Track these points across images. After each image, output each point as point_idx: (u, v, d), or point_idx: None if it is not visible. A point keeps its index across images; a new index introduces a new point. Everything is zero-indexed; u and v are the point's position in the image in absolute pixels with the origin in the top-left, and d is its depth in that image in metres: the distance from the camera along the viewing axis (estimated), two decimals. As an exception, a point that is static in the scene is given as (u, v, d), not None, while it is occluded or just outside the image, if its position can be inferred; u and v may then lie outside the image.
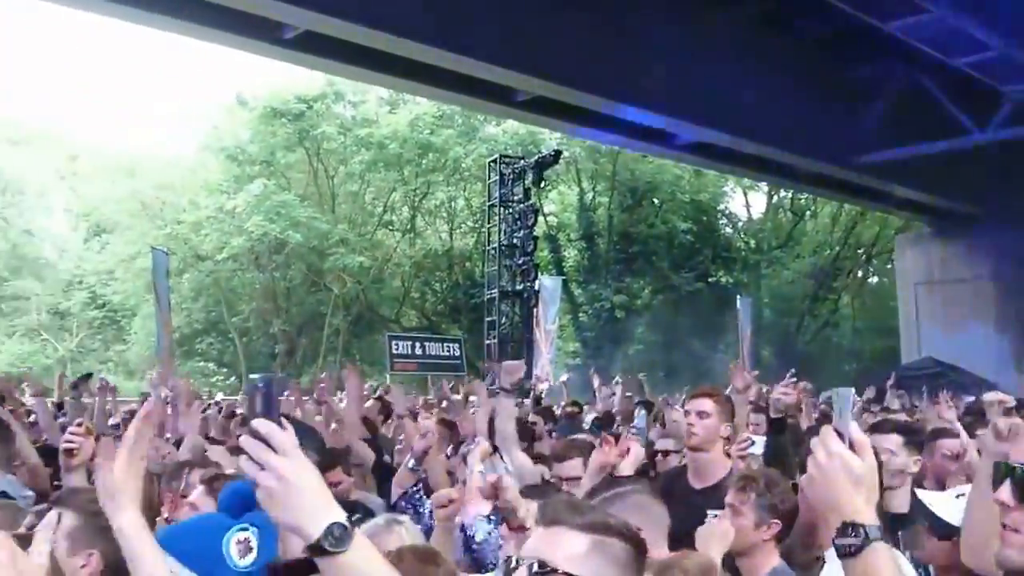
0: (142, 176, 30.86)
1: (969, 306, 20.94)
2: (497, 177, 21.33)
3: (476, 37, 11.65)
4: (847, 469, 1.54)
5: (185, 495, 3.59)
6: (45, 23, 57.75)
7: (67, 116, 61.32)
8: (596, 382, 9.87)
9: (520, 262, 20.73)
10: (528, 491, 2.98)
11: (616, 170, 30.44)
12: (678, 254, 31.42)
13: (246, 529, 2.16)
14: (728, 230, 35.40)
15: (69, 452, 2.88)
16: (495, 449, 4.27)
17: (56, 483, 4.00)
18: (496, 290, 21.13)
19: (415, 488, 4.13)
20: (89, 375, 8.66)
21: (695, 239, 31.49)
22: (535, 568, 1.51)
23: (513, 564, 1.85)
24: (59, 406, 7.45)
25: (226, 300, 29.60)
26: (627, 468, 3.14)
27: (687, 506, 3.38)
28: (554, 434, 7.06)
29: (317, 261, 28.90)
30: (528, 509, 2.70)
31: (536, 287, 20.55)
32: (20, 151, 33.01)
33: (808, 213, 34.67)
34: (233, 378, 28.16)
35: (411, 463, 4.19)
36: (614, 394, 8.98)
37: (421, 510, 3.92)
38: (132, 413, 7.74)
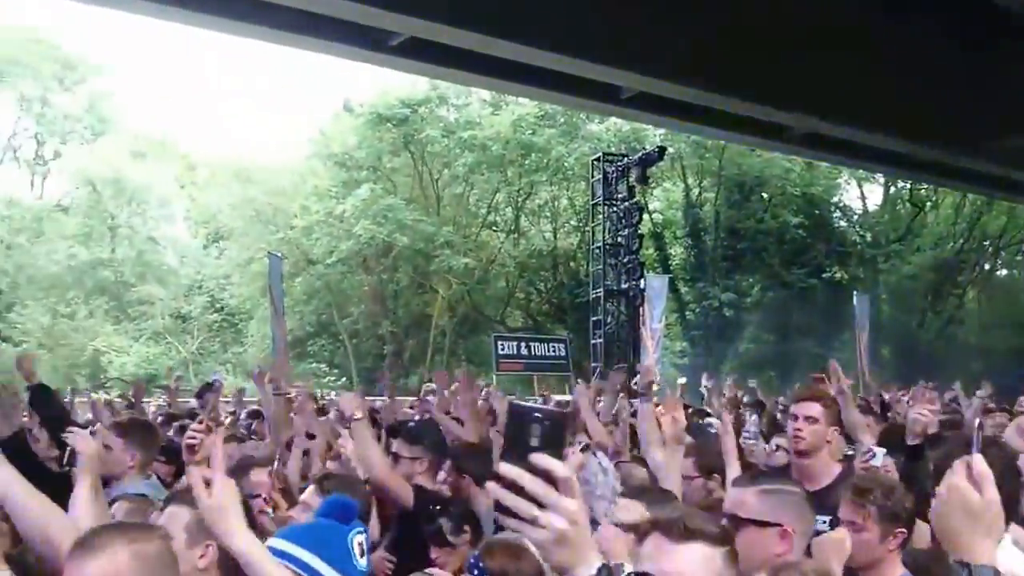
0: (255, 183, 31.99)
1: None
2: (601, 175, 21.24)
3: (579, 35, 11.57)
4: (964, 504, 1.46)
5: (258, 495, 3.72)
6: (161, 38, 60.64)
7: (185, 127, 64.26)
8: (707, 383, 9.66)
9: (625, 260, 20.60)
10: (634, 492, 2.93)
11: (722, 165, 29.88)
12: (789, 250, 30.60)
13: (362, 532, 2.29)
14: (842, 224, 34.24)
15: (191, 448, 3.03)
16: (585, 448, 4.24)
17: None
18: (601, 289, 21.04)
19: None
20: (211, 384, 9.07)
21: (807, 234, 30.61)
22: None
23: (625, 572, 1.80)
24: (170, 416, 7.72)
25: (336, 303, 30.42)
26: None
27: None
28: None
29: (423, 263, 29.38)
30: (632, 509, 2.66)
31: (642, 285, 20.35)
32: (143, 162, 34.67)
33: (928, 204, 33.14)
34: (344, 379, 28.85)
35: None
36: (724, 395, 8.77)
37: None
38: (253, 414, 8.06)
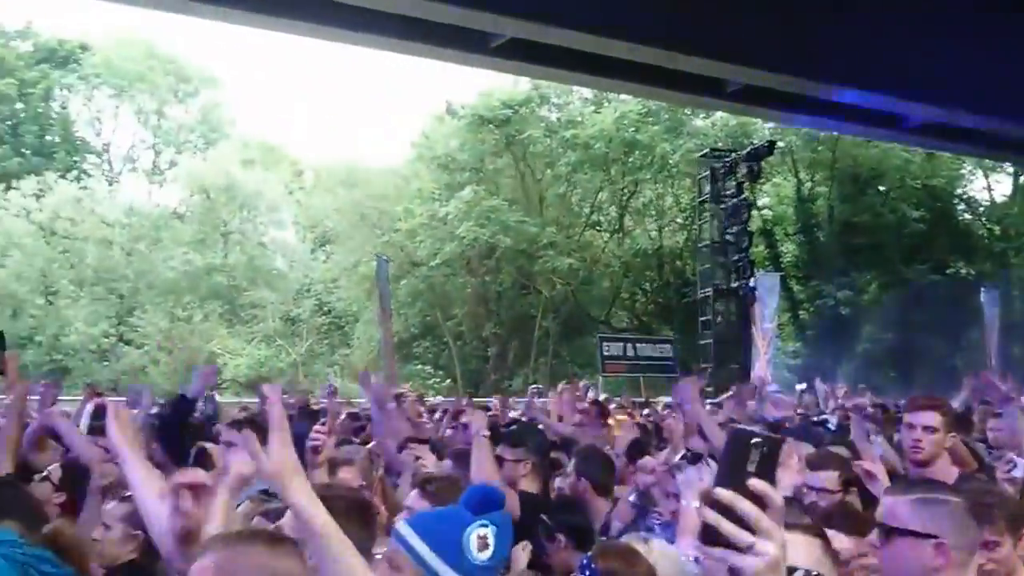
0: (360, 187, 32.77)
1: None
2: (708, 172, 20.97)
3: (682, 30, 11.45)
4: None
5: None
6: (269, 48, 62.80)
7: (292, 133, 66.45)
8: (821, 387, 9.42)
9: (735, 259, 20.28)
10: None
11: (836, 157, 29.03)
12: (909, 244, 29.51)
13: (486, 526, 2.27)
14: (967, 216, 32.81)
15: (314, 449, 3.12)
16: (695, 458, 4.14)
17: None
18: (710, 288, 20.77)
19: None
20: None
21: (928, 227, 29.49)
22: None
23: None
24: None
25: (440, 305, 30.87)
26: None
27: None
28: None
29: (526, 264, 29.53)
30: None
31: (752, 284, 20.02)
32: (253, 169, 35.98)
33: (1062, 194, 31.46)
34: (448, 381, 29.27)
35: (633, 497, 4.05)
36: (838, 400, 8.50)
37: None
38: (352, 416, 8.29)
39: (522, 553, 2.95)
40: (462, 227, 27.63)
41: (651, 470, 3.99)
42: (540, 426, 6.53)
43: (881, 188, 30.06)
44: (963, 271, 30.00)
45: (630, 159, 29.35)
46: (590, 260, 30.22)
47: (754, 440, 1.18)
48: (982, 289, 19.96)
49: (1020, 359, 25.18)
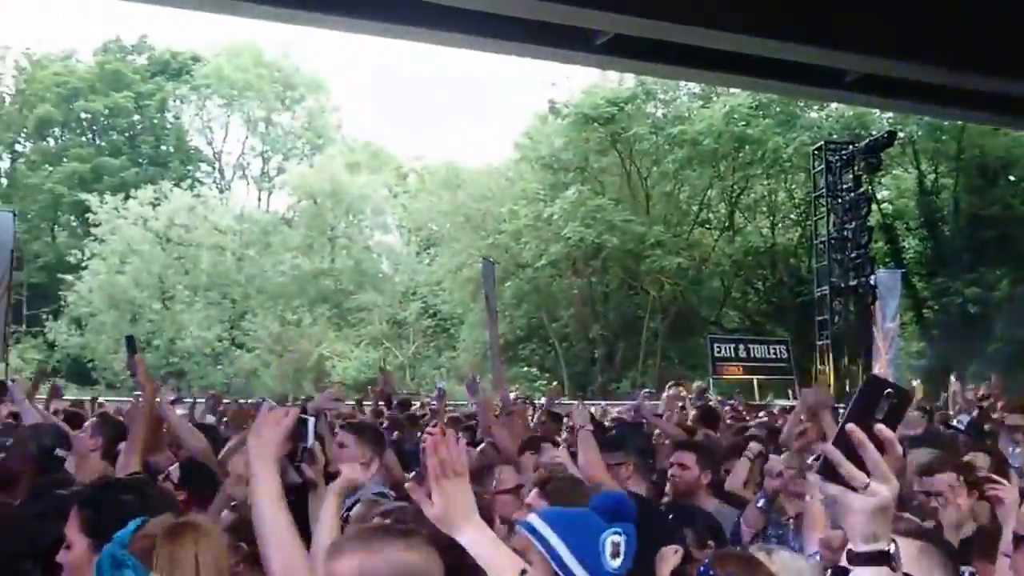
0: (464, 189, 33.32)
1: None
2: (823, 165, 20.59)
3: (794, 19, 11.32)
4: None
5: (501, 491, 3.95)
6: (369, 53, 64.34)
7: (395, 137, 67.94)
8: (955, 386, 9.20)
9: (853, 255, 19.86)
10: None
11: (962, 148, 28.02)
12: (1043, 238, 28.21)
13: (619, 534, 2.34)
14: (1109, 206, 31.14)
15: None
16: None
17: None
18: (827, 287, 20.38)
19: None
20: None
21: (1064, 219, 28.11)
22: None
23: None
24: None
25: (546, 306, 31.11)
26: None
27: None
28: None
29: (633, 264, 29.50)
30: None
31: (872, 282, 19.56)
32: (358, 173, 37.06)
33: None
34: (555, 383, 29.47)
35: (761, 503, 4.07)
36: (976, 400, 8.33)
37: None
38: (454, 420, 8.56)
39: (673, 556, 3.00)
40: (567, 227, 27.80)
41: (778, 473, 4.01)
42: (641, 426, 6.63)
43: (1011, 178, 28.86)
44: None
45: (740, 154, 29.00)
46: (699, 259, 29.97)
47: (887, 390, 1.31)
48: None
49: None
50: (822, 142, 21.63)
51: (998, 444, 5.87)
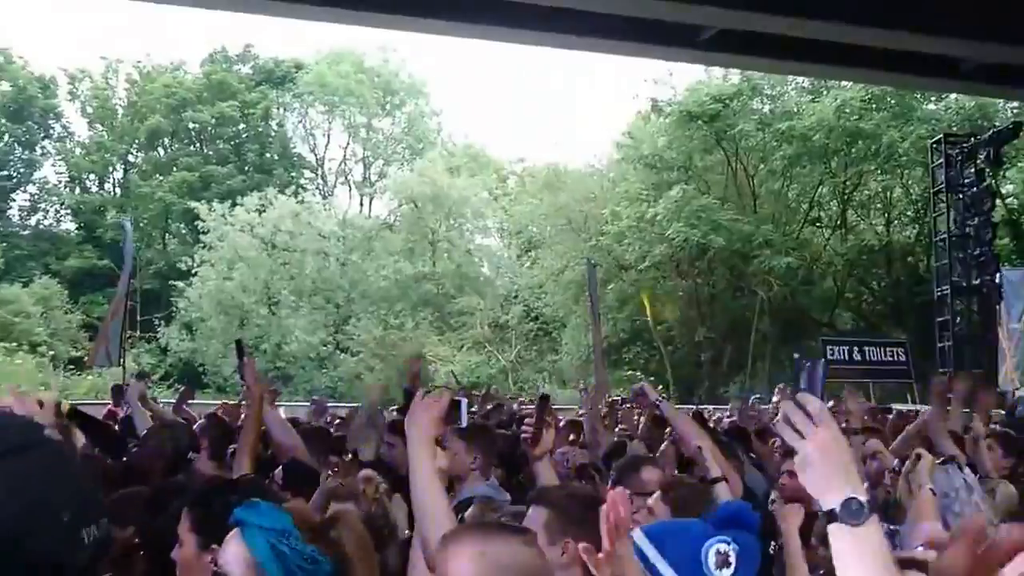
0: (564, 190, 33.57)
1: None
2: (942, 159, 20.09)
3: (905, 7, 11.17)
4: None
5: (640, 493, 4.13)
6: (468, 55, 65.26)
7: (495, 139, 68.81)
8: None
9: (975, 253, 19.33)
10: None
11: (1098, 136, 26.84)
12: None
13: (728, 543, 2.37)
14: None
15: (533, 440, 3.50)
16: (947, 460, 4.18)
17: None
18: (948, 286, 19.89)
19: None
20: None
21: None
22: None
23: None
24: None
25: (650, 308, 31.06)
26: None
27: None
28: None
29: (740, 265, 29.25)
30: None
31: (997, 281, 19.00)
32: (458, 177, 37.72)
33: None
34: (660, 387, 29.41)
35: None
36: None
37: None
38: (558, 425, 8.82)
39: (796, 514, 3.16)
40: (671, 228, 27.73)
41: (872, 455, 4.22)
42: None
43: None
44: None
45: (853, 149, 28.41)
46: (810, 259, 29.50)
47: (805, 363, 1.86)
48: None
49: None
50: (941, 135, 21.09)
51: None
